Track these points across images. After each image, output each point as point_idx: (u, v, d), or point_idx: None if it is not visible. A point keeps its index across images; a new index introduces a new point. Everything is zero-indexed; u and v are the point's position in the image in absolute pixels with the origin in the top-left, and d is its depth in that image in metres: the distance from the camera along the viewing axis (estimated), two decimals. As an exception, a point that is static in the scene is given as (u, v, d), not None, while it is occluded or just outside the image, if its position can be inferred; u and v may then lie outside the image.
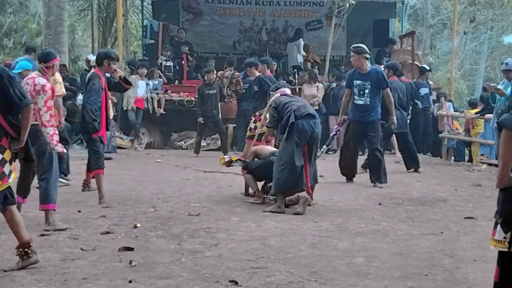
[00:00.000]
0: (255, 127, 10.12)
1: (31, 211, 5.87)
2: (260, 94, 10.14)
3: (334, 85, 13.11)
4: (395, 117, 8.56)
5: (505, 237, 2.59)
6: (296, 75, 14.26)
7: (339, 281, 3.97)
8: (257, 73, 10.31)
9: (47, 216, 5.30)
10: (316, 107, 13.20)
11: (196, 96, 12.11)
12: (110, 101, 10.33)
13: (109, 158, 10.78)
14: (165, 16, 15.83)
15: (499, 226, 2.62)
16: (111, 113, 10.54)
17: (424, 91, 12.88)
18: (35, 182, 5.73)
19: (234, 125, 12.89)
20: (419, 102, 12.71)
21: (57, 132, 5.33)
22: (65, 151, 5.45)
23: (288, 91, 7.08)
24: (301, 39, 15.62)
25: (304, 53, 15.60)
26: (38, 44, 20.10)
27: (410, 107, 12.02)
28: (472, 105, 13.81)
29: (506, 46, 29.52)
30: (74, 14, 24.30)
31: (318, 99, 12.92)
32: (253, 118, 10.21)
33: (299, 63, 15.35)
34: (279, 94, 6.90)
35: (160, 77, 13.48)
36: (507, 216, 2.60)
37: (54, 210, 5.40)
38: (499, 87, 9.19)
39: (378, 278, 4.05)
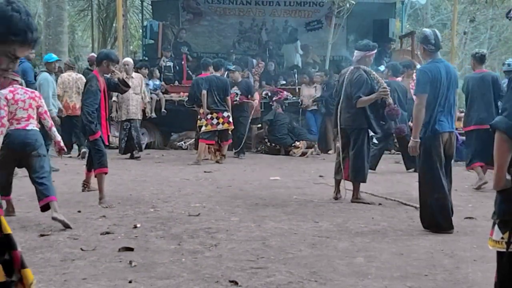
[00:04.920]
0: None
1: (31, 211, 5.88)
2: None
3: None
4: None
5: (502, 238, 2.59)
6: (296, 75, 14.28)
7: (339, 281, 3.96)
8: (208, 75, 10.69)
9: (53, 206, 5.31)
10: (315, 107, 13.25)
11: None
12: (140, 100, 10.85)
13: (138, 157, 10.86)
14: (169, 18, 15.91)
15: (496, 227, 2.63)
16: (140, 113, 11.01)
17: None
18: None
19: (259, 125, 13.15)
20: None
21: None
22: (65, 149, 5.61)
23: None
24: (298, 40, 15.67)
25: (302, 52, 15.63)
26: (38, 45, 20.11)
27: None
28: None
29: (506, 46, 29.51)
30: (74, 14, 24.35)
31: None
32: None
33: (298, 63, 15.40)
34: None
35: (159, 78, 13.47)
36: (504, 217, 2.60)
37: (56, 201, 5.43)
38: None
39: (378, 278, 4.04)
